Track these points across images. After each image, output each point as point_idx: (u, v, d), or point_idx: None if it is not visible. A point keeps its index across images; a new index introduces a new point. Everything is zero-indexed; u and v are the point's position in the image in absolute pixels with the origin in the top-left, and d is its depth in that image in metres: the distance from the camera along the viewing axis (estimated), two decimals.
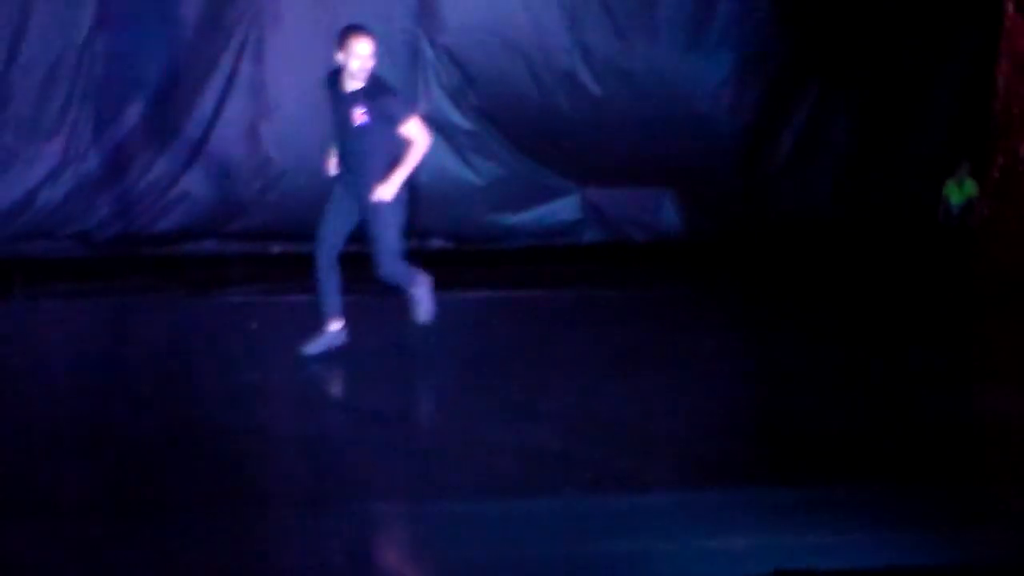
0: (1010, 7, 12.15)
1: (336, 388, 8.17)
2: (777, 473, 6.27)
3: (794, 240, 12.66)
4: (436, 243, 12.58)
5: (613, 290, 11.07)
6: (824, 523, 5.64)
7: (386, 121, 7.84)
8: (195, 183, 12.01)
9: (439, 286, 11.07)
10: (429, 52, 12.52)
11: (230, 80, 12.03)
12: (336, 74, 7.95)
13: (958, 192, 12.75)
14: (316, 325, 8.11)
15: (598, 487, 6.07)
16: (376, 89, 7.89)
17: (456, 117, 12.59)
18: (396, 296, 8.29)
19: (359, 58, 7.76)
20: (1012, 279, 11.39)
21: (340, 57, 7.83)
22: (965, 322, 10.40)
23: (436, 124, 12.53)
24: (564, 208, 12.82)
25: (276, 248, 12.14)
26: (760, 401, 7.66)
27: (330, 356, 8.09)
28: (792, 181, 13.19)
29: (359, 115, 7.84)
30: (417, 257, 12.19)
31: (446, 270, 11.80)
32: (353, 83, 7.85)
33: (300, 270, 11.28)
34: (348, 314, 8.17)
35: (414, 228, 12.58)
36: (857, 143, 13.25)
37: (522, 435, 6.82)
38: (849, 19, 13.01)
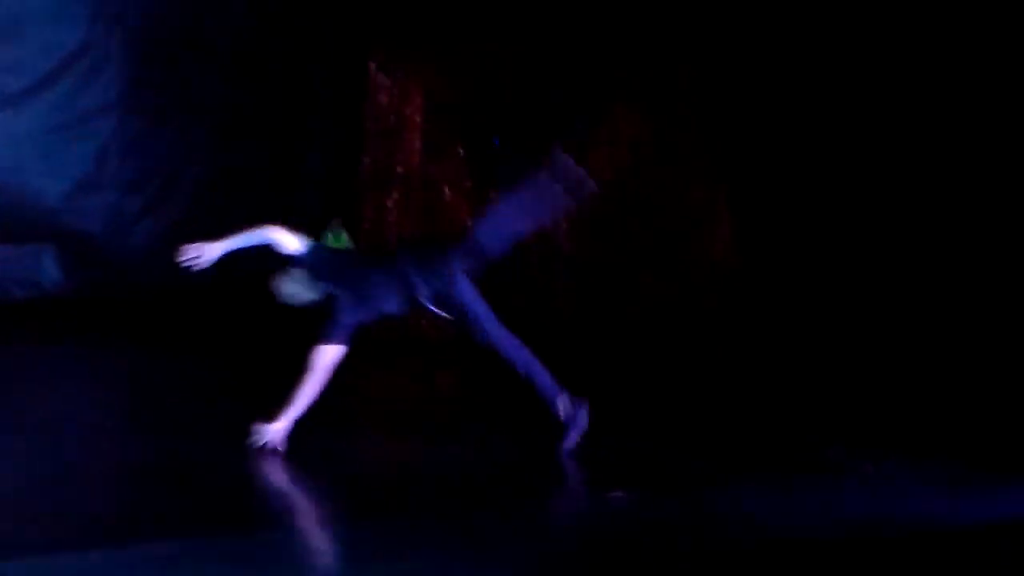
0: (372, 67, 12.89)
1: None
2: (168, 526, 6.37)
3: (184, 297, 12.80)
4: None
5: None
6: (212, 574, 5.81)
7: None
8: None
9: None
10: None
11: None
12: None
13: (334, 244, 13.38)
14: None
15: None
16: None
17: None
18: None
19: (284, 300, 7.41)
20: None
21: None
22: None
23: None
24: None
25: None
26: (155, 455, 7.65)
27: None
28: (175, 239, 13.35)
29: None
30: None
31: None
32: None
33: None
34: None
35: None
36: (242, 205, 13.63)
37: None
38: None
